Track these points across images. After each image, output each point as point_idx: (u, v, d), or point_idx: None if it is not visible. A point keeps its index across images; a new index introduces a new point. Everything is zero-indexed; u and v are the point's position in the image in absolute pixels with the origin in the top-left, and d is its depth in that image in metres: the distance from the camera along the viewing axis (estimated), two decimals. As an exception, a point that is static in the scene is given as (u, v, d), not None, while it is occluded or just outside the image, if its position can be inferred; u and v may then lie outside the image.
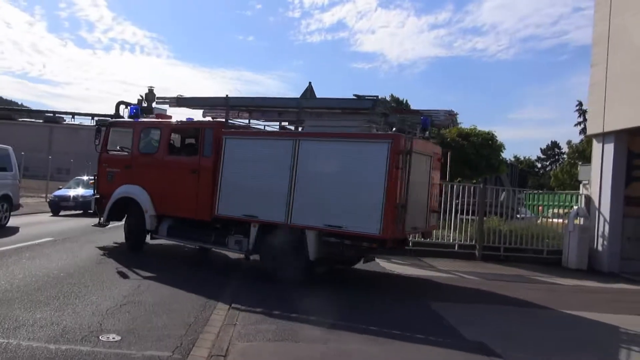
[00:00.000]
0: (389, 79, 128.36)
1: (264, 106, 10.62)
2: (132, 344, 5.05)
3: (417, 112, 13.24)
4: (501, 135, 19.76)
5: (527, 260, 12.55)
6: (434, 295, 8.31)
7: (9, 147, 14.29)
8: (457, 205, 12.85)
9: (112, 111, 13.21)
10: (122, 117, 12.00)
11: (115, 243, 11.49)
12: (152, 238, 10.49)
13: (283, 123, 10.11)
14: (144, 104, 13.53)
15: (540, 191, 19.17)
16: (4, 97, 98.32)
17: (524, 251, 12.85)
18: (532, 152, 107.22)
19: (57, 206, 18.28)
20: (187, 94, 14.67)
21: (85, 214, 17.16)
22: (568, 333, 6.58)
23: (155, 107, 14.29)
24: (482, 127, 20.73)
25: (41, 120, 56.48)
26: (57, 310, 5.97)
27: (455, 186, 13.11)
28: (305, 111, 9.85)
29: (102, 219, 11.07)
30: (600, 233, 12.65)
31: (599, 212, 12.76)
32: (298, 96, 12.46)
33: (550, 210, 14.99)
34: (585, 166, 16.16)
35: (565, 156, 56.30)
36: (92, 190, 12.30)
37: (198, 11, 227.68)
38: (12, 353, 4.57)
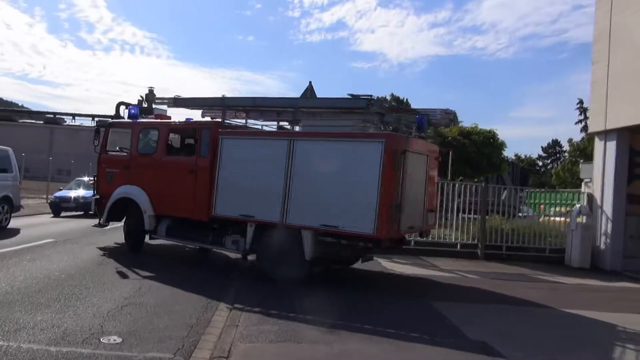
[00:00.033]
0: (389, 78, 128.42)
1: (259, 106, 10.64)
2: (134, 346, 5.01)
3: (413, 111, 13.22)
4: (502, 134, 19.83)
5: (529, 259, 12.51)
6: (436, 295, 8.28)
7: (9, 148, 14.26)
8: (459, 204, 12.82)
9: (112, 112, 13.23)
10: (123, 118, 12.02)
11: (116, 244, 11.48)
12: (150, 238, 10.50)
13: (281, 123, 10.14)
14: (144, 105, 13.52)
15: (542, 189, 19.12)
16: (4, 99, 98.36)
17: (527, 250, 12.82)
18: (533, 151, 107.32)
19: (58, 207, 18.24)
20: (187, 94, 14.71)
21: (86, 215, 17.13)
22: (570, 332, 6.54)
23: (155, 108, 14.28)
24: (483, 126, 20.77)
25: (41, 122, 56.56)
26: (58, 313, 5.93)
27: (457, 185, 13.08)
28: (301, 111, 9.89)
29: (101, 219, 11.12)
30: (602, 231, 12.62)
31: (602, 210, 12.72)
32: (298, 96, 12.48)
33: (552, 209, 14.95)
34: (587, 164, 16.10)
35: (566, 154, 56.25)
36: (93, 191, 12.31)
37: (198, 11, 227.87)
38: (12, 356, 4.54)
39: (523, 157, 70.92)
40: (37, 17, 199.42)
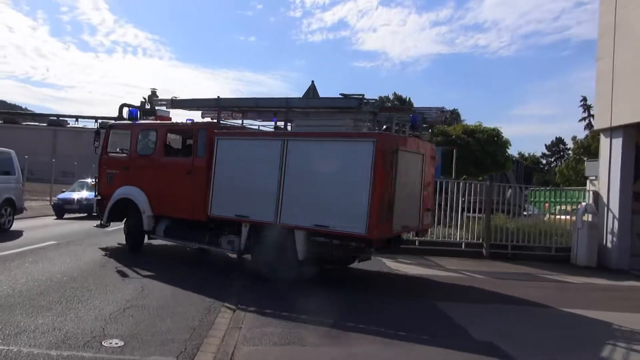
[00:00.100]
0: (392, 77, 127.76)
1: (253, 107, 10.79)
2: (136, 349, 4.95)
3: (407, 109, 13.19)
4: (505, 132, 19.65)
5: (535, 258, 12.39)
6: (441, 295, 8.19)
7: (12, 150, 14.24)
8: (463, 203, 12.72)
9: (115, 114, 13.29)
10: (126, 119, 12.07)
11: (119, 244, 11.49)
12: (149, 238, 10.58)
13: (279, 123, 10.15)
14: (147, 106, 13.55)
15: (547, 188, 18.99)
16: (8, 102, 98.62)
17: (532, 249, 12.69)
18: (536, 149, 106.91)
19: (61, 209, 18.22)
20: (190, 95, 14.86)
21: (90, 217, 17.07)
22: (577, 333, 6.44)
23: (158, 109, 14.36)
24: (486, 124, 20.62)
25: (45, 124, 56.67)
26: (60, 315, 5.88)
27: (461, 184, 12.97)
28: (294, 111, 9.96)
29: (103, 220, 11.23)
30: (609, 230, 12.49)
31: (608, 208, 12.59)
32: (300, 96, 12.51)
33: (557, 207, 14.83)
34: (592, 162, 15.94)
35: (570, 152, 56.06)
36: (94, 193, 12.34)
37: (199, 12, 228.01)
38: (12, 360, 4.48)
39: (527, 155, 70.67)
40: (40, 20, 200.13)
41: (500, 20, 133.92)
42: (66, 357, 4.63)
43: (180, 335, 5.48)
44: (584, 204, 12.99)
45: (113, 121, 12.80)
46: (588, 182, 15.39)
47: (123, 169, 10.87)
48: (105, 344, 5.01)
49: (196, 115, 11.28)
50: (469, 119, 58.82)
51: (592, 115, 54.39)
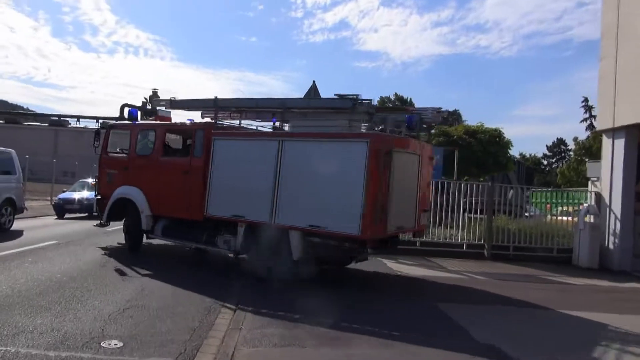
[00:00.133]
0: (393, 77, 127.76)
1: (249, 107, 10.94)
2: (135, 350, 4.91)
3: (403, 110, 13.20)
4: (506, 132, 19.57)
5: (536, 259, 12.34)
6: (442, 296, 8.14)
7: (12, 150, 14.22)
8: (464, 203, 12.67)
9: (117, 114, 13.37)
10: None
11: (119, 244, 11.50)
12: (147, 238, 10.62)
13: (277, 123, 10.22)
14: (148, 107, 13.65)
15: (548, 188, 18.93)
16: (10, 102, 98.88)
17: (534, 250, 12.64)
18: (538, 149, 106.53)
19: (62, 209, 18.20)
20: (191, 95, 15.07)
21: (90, 217, 17.05)
22: (579, 335, 6.38)
23: (159, 109, 14.44)
24: (487, 125, 20.55)
25: (46, 124, 56.73)
26: (58, 316, 5.84)
27: (462, 184, 12.92)
28: (291, 111, 10.07)
29: (102, 219, 11.32)
30: (611, 231, 12.42)
31: (610, 210, 12.53)
32: (301, 96, 12.65)
33: (559, 208, 14.77)
34: (594, 162, 15.87)
35: (571, 153, 55.92)
36: (94, 192, 12.43)
37: (200, 13, 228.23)
38: (10, 361, 4.44)
39: (528, 156, 70.55)
40: (42, 20, 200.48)
41: (501, 21, 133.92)
42: (64, 358, 4.59)
43: (179, 336, 5.44)
44: (586, 205, 12.93)
45: (114, 121, 12.85)
46: (590, 183, 15.32)
47: (122, 168, 10.97)
48: (104, 345, 4.97)
49: (196, 116, 11.40)
50: (470, 119, 58.80)
51: (594, 116, 54.39)
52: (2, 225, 13.08)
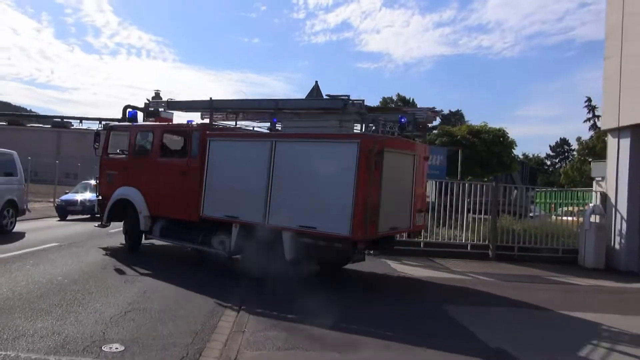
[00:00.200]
0: (395, 78, 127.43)
1: (243, 108, 11.14)
2: (136, 354, 4.83)
3: (397, 110, 13.23)
4: (509, 133, 19.39)
5: (541, 260, 12.24)
6: (448, 298, 8.04)
7: (14, 151, 14.18)
8: (468, 204, 12.58)
9: (119, 115, 13.49)
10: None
11: (122, 244, 11.47)
12: (146, 238, 10.73)
13: (268, 124, 10.41)
14: (151, 108, 13.75)
15: (553, 189, 18.83)
16: (13, 104, 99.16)
17: (539, 250, 12.54)
18: (540, 149, 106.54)
19: (64, 211, 18.19)
20: (194, 97, 15.30)
21: (93, 218, 16.99)
22: (587, 337, 6.25)
23: (161, 111, 14.54)
24: (491, 125, 20.40)
25: (49, 126, 56.84)
26: (59, 319, 5.76)
27: (466, 185, 12.83)
28: (284, 112, 10.18)
29: (103, 220, 11.45)
30: (617, 231, 12.32)
31: (616, 209, 12.42)
32: (303, 97, 12.83)
33: (562, 208, 14.67)
34: (599, 162, 15.79)
35: (575, 153, 55.74)
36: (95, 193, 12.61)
37: (203, 14, 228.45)
38: (10, 366, 4.37)
39: (531, 156, 70.32)
40: (44, 22, 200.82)
41: (504, 21, 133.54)
42: (65, 362, 4.52)
43: (182, 339, 5.36)
44: (591, 205, 12.82)
45: (120, 122, 13.03)
46: (594, 183, 15.24)
47: (122, 169, 11.11)
48: (105, 349, 4.89)
49: (196, 117, 11.60)
50: (473, 120, 58.50)
51: (597, 116, 54.20)
52: (3, 227, 13.03)
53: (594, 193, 13.61)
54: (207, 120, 10.92)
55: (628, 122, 12.03)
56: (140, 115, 12.02)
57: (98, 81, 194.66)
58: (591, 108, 56.44)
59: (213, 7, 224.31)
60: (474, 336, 5.92)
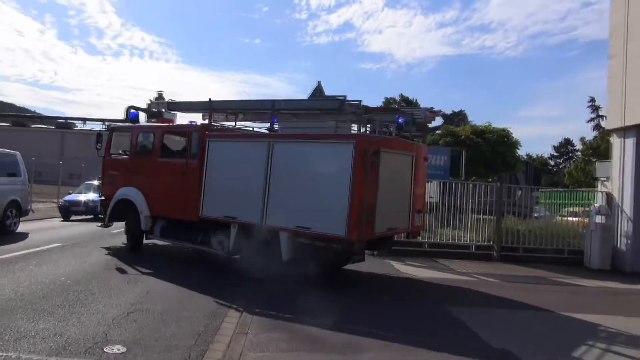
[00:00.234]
0: (397, 78, 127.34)
1: (241, 108, 11.25)
2: (138, 356, 4.79)
3: (396, 110, 13.25)
4: (513, 133, 19.28)
5: (546, 261, 12.16)
6: (452, 299, 7.98)
7: (17, 152, 14.18)
8: (472, 204, 12.50)
9: (122, 116, 13.59)
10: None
11: (124, 244, 11.48)
12: (146, 238, 10.81)
13: (267, 125, 10.59)
14: (154, 109, 13.90)
15: (558, 189, 18.72)
16: (17, 105, 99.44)
17: (544, 251, 12.46)
18: (544, 150, 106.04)
19: (68, 211, 18.19)
20: (197, 98, 15.60)
21: (96, 219, 16.98)
22: (596, 340, 6.19)
23: (164, 112, 14.68)
24: (494, 125, 20.27)
25: (53, 127, 56.94)
26: (61, 320, 5.74)
27: (470, 185, 12.75)
28: (282, 113, 10.32)
29: (105, 220, 11.55)
30: (622, 232, 12.22)
31: (621, 210, 12.32)
32: (306, 97, 13.07)
33: (566, 209, 14.55)
34: (603, 162, 15.66)
35: (578, 153, 55.51)
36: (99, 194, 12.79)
37: (205, 15, 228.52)
38: (11, 367, 4.34)
39: (534, 156, 70.09)
40: (48, 23, 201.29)
41: (506, 21, 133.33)
42: (67, 363, 4.48)
43: (184, 341, 5.32)
44: (596, 205, 12.72)
45: (122, 123, 13.18)
46: (599, 183, 15.11)
47: (124, 170, 11.22)
48: (107, 350, 4.85)
49: (198, 118, 11.70)
50: (476, 120, 58.48)
51: (601, 116, 53.93)
52: (7, 228, 13.03)
53: (598, 193, 13.50)
54: (208, 121, 11.01)
55: (633, 122, 11.92)
56: (143, 116, 12.09)
57: (101, 82, 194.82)
58: (595, 108, 56.19)
59: (215, 8, 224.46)
60: (477, 337, 5.87)
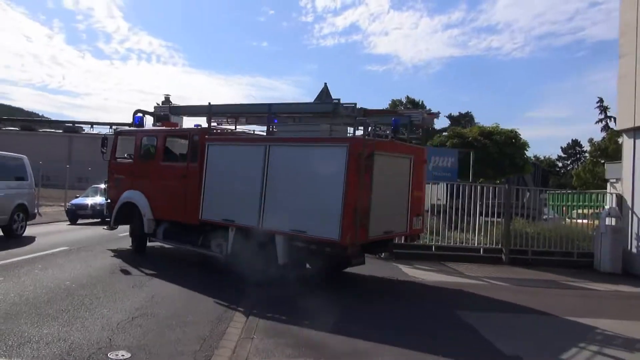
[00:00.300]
0: (404, 80, 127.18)
1: (240, 112, 11.41)
2: (142, 362, 4.72)
3: (392, 113, 13.22)
4: (520, 134, 19.06)
5: (556, 264, 11.96)
6: (463, 304, 7.83)
7: (24, 156, 14.22)
8: (480, 207, 12.36)
9: (130, 120, 13.73)
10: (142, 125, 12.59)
11: (130, 247, 11.47)
12: (149, 241, 10.94)
13: (264, 129, 10.69)
14: (162, 113, 14.01)
15: (568, 191, 18.49)
16: (25, 109, 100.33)
17: (553, 254, 12.27)
18: (552, 151, 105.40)
19: (75, 215, 18.24)
20: (204, 101, 15.74)
21: (103, 222, 16.98)
22: (611, 346, 6.03)
23: (171, 116, 14.76)
24: (501, 126, 20.07)
25: (61, 131, 57.33)
26: (66, 325, 5.68)
27: (478, 187, 12.61)
28: (279, 116, 10.50)
29: (110, 223, 11.70)
30: (634, 234, 12.00)
31: (632, 212, 12.11)
32: (312, 100, 13.13)
33: (575, 211, 14.37)
34: (614, 164, 15.48)
35: (587, 154, 55.08)
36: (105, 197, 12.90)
37: (211, 19, 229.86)
38: (14, 373, 4.28)
39: (542, 158, 69.64)
40: (56, 29, 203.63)
41: (513, 22, 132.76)
42: (70, 370, 4.42)
43: (189, 346, 5.25)
44: (607, 207, 12.53)
45: (127, 127, 13.29)
46: (608, 184, 14.93)
47: (128, 174, 11.35)
48: (111, 356, 4.79)
49: (202, 122, 11.86)
50: (483, 121, 58.22)
51: (609, 117, 53.51)
52: (14, 232, 13.06)
53: (608, 195, 13.31)
54: (214, 124, 11.14)
55: (644, 122, 11.74)
56: (150, 119, 12.25)
57: (109, 86, 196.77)
58: (603, 109, 55.78)
59: (221, 11, 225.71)
60: (488, 343, 5.74)
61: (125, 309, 6.54)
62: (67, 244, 12.10)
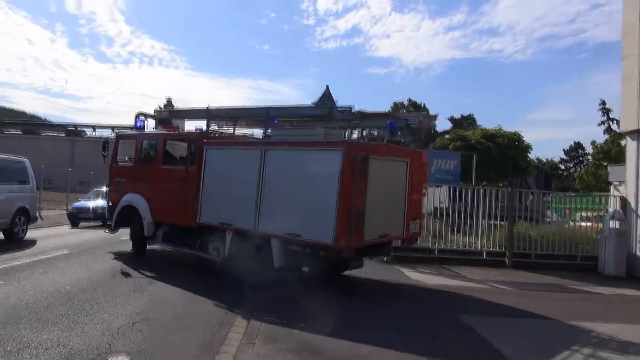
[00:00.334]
0: (406, 83, 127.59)
1: (237, 116, 11.41)
2: (142, 367, 4.67)
3: (389, 116, 13.17)
4: (523, 137, 18.98)
5: (559, 267, 11.88)
6: (466, 308, 7.76)
7: (26, 159, 14.20)
8: (483, 210, 12.28)
9: (132, 123, 13.78)
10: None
11: (131, 251, 11.40)
12: (149, 244, 10.97)
13: (260, 132, 10.72)
14: (164, 115, 14.09)
15: (571, 194, 18.40)
16: (28, 112, 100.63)
17: (556, 257, 12.18)
18: (554, 154, 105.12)
19: (76, 218, 18.21)
20: (205, 104, 15.69)
21: (104, 225, 16.98)
22: (618, 351, 5.96)
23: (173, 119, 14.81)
24: (504, 129, 19.98)
25: (63, 134, 57.52)
26: (65, 330, 5.63)
27: (481, 190, 12.54)
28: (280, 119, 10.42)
29: (111, 226, 11.74)
30: (638, 237, 11.90)
31: (636, 215, 12.03)
32: (313, 103, 13.11)
33: (578, 214, 14.29)
34: (617, 166, 15.36)
35: (589, 157, 54.89)
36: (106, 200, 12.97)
37: (212, 22, 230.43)
38: (12, 379, 4.23)
39: (544, 160, 69.47)
40: (58, 32, 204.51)
41: (515, 24, 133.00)
42: (69, 375, 4.37)
43: (190, 351, 5.21)
44: (611, 210, 12.44)
45: (129, 130, 13.40)
46: (612, 187, 14.82)
47: (129, 177, 11.40)
48: (110, 362, 4.74)
49: (203, 125, 11.82)
50: (485, 124, 58.07)
51: (612, 119, 53.30)
52: (15, 235, 13.03)
53: (612, 198, 13.22)
54: (214, 128, 11.14)
55: (648, 124, 11.67)
56: (145, 123, 12.28)
57: (111, 90, 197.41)
58: (606, 111, 55.49)
59: (222, 14, 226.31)
60: (492, 347, 5.67)
61: (125, 313, 6.49)
62: (68, 247, 12.07)
